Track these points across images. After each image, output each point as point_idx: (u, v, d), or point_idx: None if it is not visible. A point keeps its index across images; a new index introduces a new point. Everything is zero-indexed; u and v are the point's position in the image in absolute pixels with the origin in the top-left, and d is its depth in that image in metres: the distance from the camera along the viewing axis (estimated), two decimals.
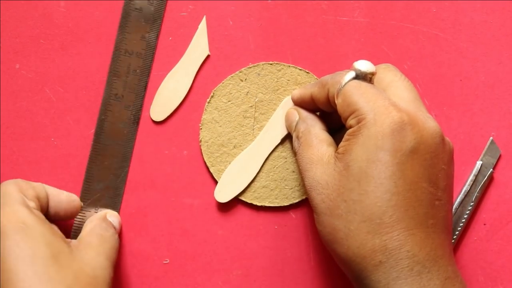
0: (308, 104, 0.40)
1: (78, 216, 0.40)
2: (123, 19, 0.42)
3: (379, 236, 0.32)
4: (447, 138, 0.35)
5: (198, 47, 0.42)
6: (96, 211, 0.41)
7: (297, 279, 0.42)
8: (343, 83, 0.35)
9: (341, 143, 0.35)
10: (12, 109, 0.42)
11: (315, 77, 0.42)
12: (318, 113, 0.40)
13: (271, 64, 0.42)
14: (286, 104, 0.42)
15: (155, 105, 0.42)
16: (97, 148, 0.42)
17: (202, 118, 0.42)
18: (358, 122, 0.34)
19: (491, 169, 0.42)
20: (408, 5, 0.43)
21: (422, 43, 0.43)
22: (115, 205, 0.42)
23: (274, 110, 0.42)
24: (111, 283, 0.36)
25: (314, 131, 0.38)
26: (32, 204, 0.36)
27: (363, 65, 0.36)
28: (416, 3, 0.43)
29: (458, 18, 0.43)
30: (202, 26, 0.43)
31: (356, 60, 0.36)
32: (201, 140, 0.42)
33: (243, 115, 0.42)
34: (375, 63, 0.42)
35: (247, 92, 0.42)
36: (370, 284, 0.33)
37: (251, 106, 0.42)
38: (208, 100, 0.42)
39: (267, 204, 0.42)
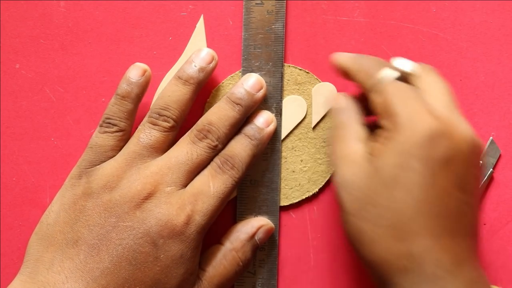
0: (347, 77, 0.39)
1: None
2: (246, 16, 0.42)
3: (404, 242, 0.32)
4: (476, 138, 0.35)
5: (196, 46, 0.42)
6: None
7: (297, 279, 0.42)
8: (384, 81, 0.35)
9: (373, 144, 0.35)
10: (12, 109, 0.42)
11: (315, 77, 0.42)
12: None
13: None
14: (287, 103, 0.42)
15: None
16: None
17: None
18: (393, 125, 0.34)
19: (491, 169, 0.42)
20: (408, 5, 0.43)
21: (422, 43, 0.43)
22: (274, 201, 0.42)
23: None
24: None
25: (351, 125, 0.37)
26: None
27: (408, 66, 0.35)
28: (416, 3, 0.43)
29: (458, 18, 0.43)
30: (200, 25, 0.43)
31: (396, 58, 0.36)
32: None
33: None
34: None
35: None
36: None
37: None
38: (208, 100, 0.42)
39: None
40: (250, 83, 0.40)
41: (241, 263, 0.39)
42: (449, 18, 0.43)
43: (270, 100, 0.41)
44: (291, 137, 0.42)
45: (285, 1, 0.42)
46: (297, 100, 0.42)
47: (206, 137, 0.38)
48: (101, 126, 0.39)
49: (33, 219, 0.42)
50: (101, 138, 0.38)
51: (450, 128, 0.33)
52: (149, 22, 0.43)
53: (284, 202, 0.42)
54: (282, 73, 0.42)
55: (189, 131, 0.39)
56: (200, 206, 0.36)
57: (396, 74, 0.35)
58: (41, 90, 0.42)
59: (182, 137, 0.39)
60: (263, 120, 0.40)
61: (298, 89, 0.42)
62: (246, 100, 0.39)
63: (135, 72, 0.39)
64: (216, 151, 0.38)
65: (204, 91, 0.42)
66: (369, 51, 0.43)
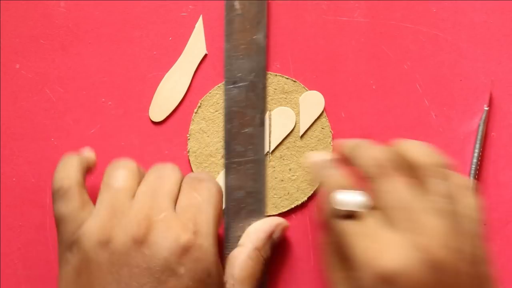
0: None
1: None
2: (228, 27, 0.42)
3: None
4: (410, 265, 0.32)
5: (196, 46, 0.42)
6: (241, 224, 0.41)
7: (297, 279, 0.42)
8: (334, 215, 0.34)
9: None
10: (12, 109, 0.42)
11: (302, 85, 0.42)
12: None
13: None
14: (276, 114, 0.42)
15: (154, 105, 0.42)
16: (232, 156, 0.41)
17: (189, 129, 0.42)
18: (350, 266, 0.32)
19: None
20: (408, 5, 0.43)
21: (422, 43, 0.43)
22: (261, 211, 0.41)
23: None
24: None
25: None
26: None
27: (353, 203, 0.33)
28: (416, 3, 0.43)
29: (458, 18, 0.43)
30: (199, 25, 0.43)
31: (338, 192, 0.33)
32: (189, 151, 0.42)
33: None
34: (375, 63, 0.42)
35: None
36: None
37: None
38: (195, 110, 0.42)
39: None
40: None
41: (264, 262, 0.39)
42: (449, 18, 0.43)
43: (254, 111, 0.41)
44: (279, 146, 0.42)
45: (265, 12, 0.42)
46: (286, 112, 0.42)
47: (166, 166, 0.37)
48: (56, 195, 0.36)
49: (33, 219, 0.42)
50: (63, 207, 0.36)
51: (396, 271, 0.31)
52: (149, 22, 0.43)
53: (272, 211, 0.42)
54: (265, 84, 0.42)
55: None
56: (199, 218, 0.35)
57: (344, 211, 0.33)
58: (41, 90, 0.43)
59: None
60: None
61: (286, 98, 0.42)
62: None
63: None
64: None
65: (204, 91, 0.42)
66: (369, 51, 0.43)
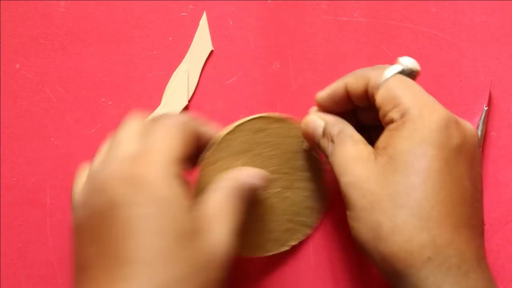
0: (337, 102, 0.38)
1: None
2: None
3: (427, 231, 0.31)
4: (477, 135, 0.35)
5: (201, 42, 0.42)
6: None
7: (297, 279, 0.42)
8: (388, 76, 0.35)
9: (381, 138, 0.34)
10: (12, 109, 0.42)
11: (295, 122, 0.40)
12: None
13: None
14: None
15: (163, 106, 0.42)
16: None
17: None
18: (402, 116, 0.33)
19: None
20: (408, 5, 0.43)
21: (422, 43, 0.43)
22: None
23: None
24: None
25: (349, 132, 0.37)
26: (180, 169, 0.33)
27: (410, 62, 0.36)
28: (416, 3, 0.43)
29: (458, 18, 0.43)
30: (203, 21, 0.43)
31: (401, 56, 0.36)
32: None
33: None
34: (375, 63, 0.42)
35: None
36: (416, 282, 0.32)
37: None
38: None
39: (294, 243, 0.41)
40: None
41: None
42: (449, 18, 0.43)
43: None
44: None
45: None
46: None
47: None
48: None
49: (33, 219, 0.42)
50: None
51: (458, 119, 0.34)
52: (149, 22, 0.43)
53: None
54: None
55: None
56: (151, 149, 0.33)
57: (398, 68, 0.35)
58: (41, 90, 0.43)
59: None
60: None
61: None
62: None
63: None
64: None
65: (206, 91, 0.42)
66: (369, 51, 0.43)
